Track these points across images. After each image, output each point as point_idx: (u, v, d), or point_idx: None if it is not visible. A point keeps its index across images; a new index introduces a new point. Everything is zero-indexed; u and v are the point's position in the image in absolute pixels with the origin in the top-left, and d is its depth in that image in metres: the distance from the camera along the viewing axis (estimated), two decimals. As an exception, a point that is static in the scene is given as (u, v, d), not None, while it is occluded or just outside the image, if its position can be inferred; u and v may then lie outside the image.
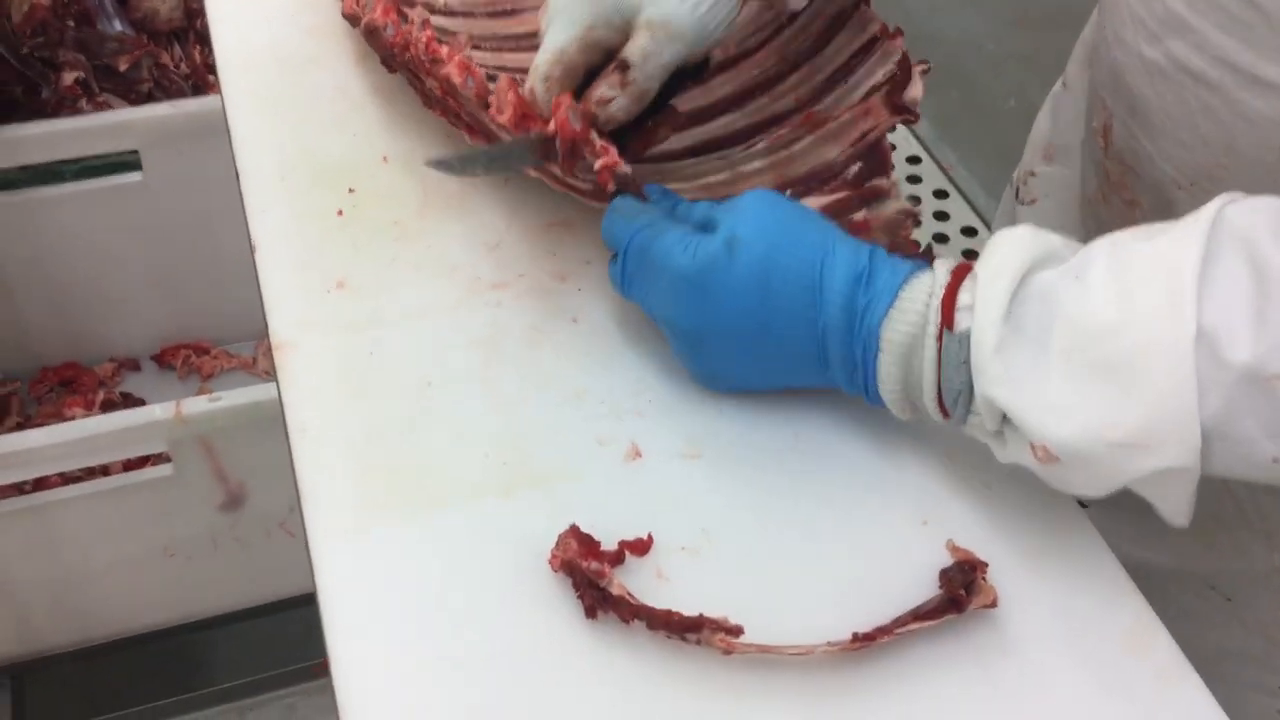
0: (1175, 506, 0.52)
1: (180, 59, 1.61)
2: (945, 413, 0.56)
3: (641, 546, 0.56)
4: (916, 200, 0.67)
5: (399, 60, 0.74)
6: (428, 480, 0.59)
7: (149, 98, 1.55)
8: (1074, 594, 0.56)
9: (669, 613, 0.52)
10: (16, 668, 1.20)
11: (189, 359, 1.49)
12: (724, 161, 0.73)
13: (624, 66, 0.63)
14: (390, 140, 0.77)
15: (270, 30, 0.84)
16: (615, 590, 0.53)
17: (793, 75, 0.77)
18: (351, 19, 0.78)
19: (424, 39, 0.71)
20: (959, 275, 0.55)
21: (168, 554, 1.14)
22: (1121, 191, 0.75)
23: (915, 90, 0.71)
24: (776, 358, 0.60)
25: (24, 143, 1.28)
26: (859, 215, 0.69)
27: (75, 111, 1.49)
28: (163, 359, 1.51)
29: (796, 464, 0.61)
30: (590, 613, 0.54)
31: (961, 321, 0.54)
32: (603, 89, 0.63)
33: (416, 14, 0.73)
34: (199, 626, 1.24)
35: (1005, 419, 0.53)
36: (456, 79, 0.68)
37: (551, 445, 0.61)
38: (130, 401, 1.44)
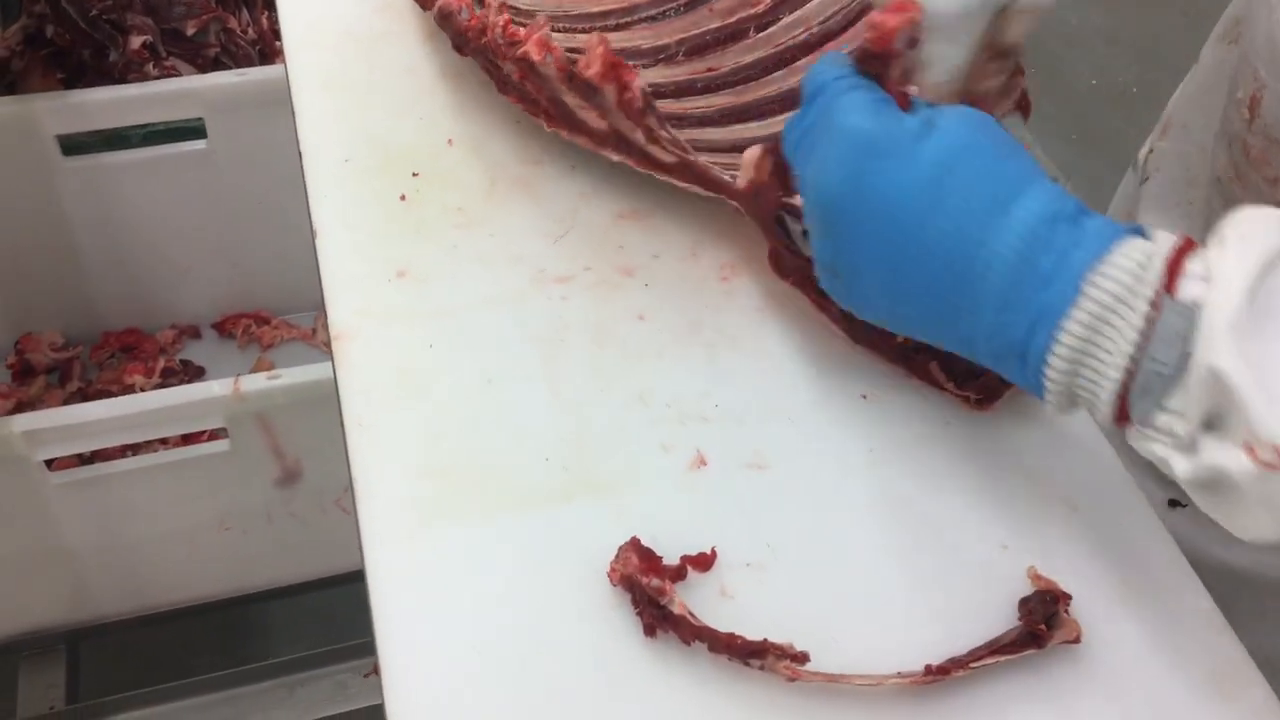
0: None
1: (248, 24, 1.61)
2: (1124, 408, 0.47)
3: (705, 561, 0.54)
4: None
5: (473, 45, 0.72)
6: (487, 482, 0.58)
7: (215, 63, 1.55)
8: (1163, 631, 0.53)
9: (731, 636, 0.50)
10: (72, 634, 1.21)
11: (249, 328, 1.49)
12: None
13: (1011, 53, 0.60)
14: (457, 123, 0.75)
15: (339, 6, 0.82)
16: (676, 609, 0.51)
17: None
18: (423, 3, 0.75)
19: (501, 22, 0.69)
20: (1187, 244, 0.47)
21: (223, 527, 1.14)
22: (1263, 168, 0.71)
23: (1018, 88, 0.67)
24: (926, 274, 0.50)
25: (91, 107, 1.27)
26: None
27: (142, 76, 1.49)
28: (223, 327, 1.51)
29: (869, 479, 0.58)
30: (649, 631, 0.52)
31: (1188, 289, 0.45)
32: (993, 85, 0.61)
33: None
34: (252, 599, 1.24)
35: (1209, 423, 0.45)
36: (535, 55, 0.66)
37: (614, 450, 0.59)
38: (190, 369, 1.44)
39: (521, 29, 0.69)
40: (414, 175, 0.72)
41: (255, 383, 0.99)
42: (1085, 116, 2.09)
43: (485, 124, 0.75)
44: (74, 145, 1.31)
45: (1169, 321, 0.45)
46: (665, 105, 0.73)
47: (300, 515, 1.16)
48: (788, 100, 0.74)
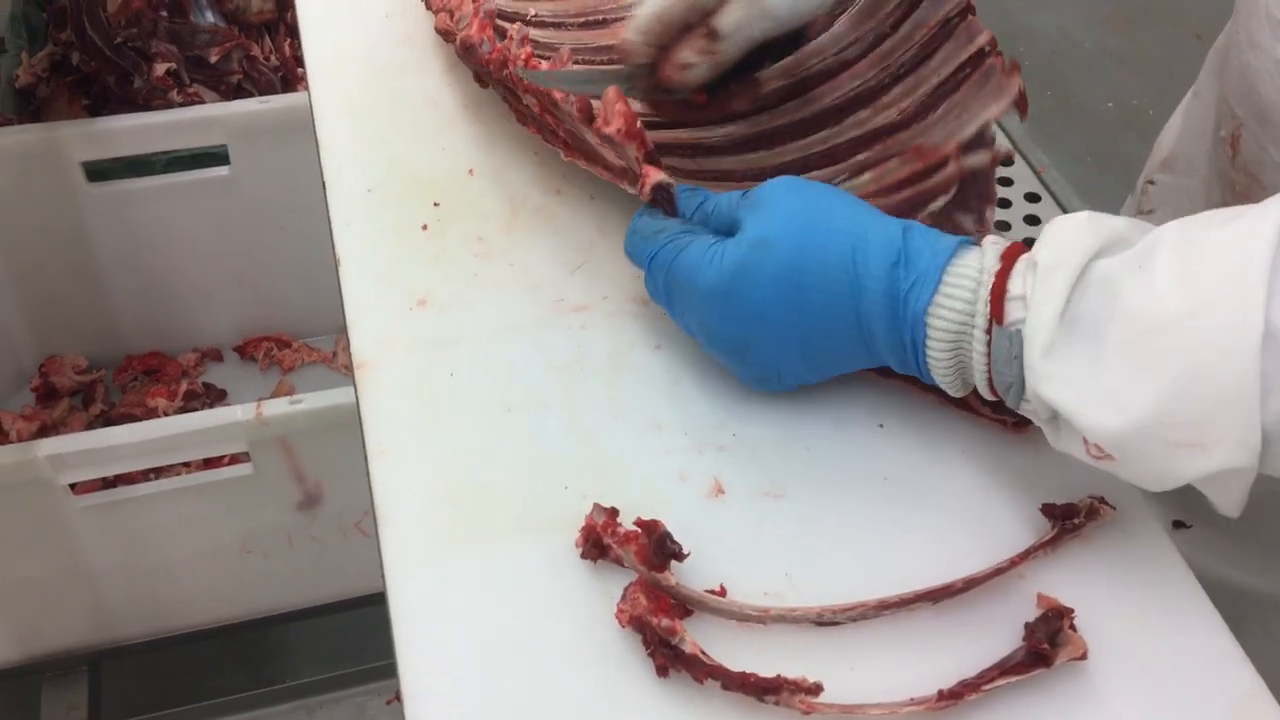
0: (1228, 500, 0.50)
1: (270, 51, 1.63)
2: (998, 396, 0.54)
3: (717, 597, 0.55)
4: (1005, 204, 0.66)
5: (495, 76, 0.73)
6: (506, 509, 0.58)
7: (239, 89, 1.57)
8: (1171, 648, 0.54)
9: (744, 674, 0.50)
10: (94, 656, 1.22)
11: (270, 351, 1.51)
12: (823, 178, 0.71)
13: (714, 35, 0.64)
14: (477, 154, 0.76)
15: (362, 36, 0.83)
16: (688, 648, 0.51)
17: (896, 87, 0.75)
18: (445, 34, 0.77)
19: (523, 55, 0.70)
20: (1009, 260, 0.53)
21: (244, 550, 1.15)
22: (1247, 203, 0.71)
23: (1014, 87, 0.70)
24: (822, 352, 0.58)
25: (116, 134, 1.29)
26: None
27: (166, 102, 1.51)
28: (245, 350, 1.52)
29: (886, 506, 0.59)
30: (662, 672, 0.52)
31: (1013, 312, 0.51)
32: (685, 54, 0.65)
33: (515, 30, 0.72)
34: (273, 621, 1.25)
35: (1055, 415, 0.52)
36: (559, 94, 0.67)
37: (633, 478, 0.59)
38: (212, 392, 1.46)
39: (544, 61, 0.70)
40: (435, 205, 0.73)
41: (277, 407, 1.00)
42: (1100, 138, 2.09)
43: (505, 154, 0.76)
44: (99, 171, 1.33)
45: (1001, 345, 0.52)
46: (680, 134, 0.74)
47: (321, 538, 1.17)
48: (800, 129, 0.74)
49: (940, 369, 0.55)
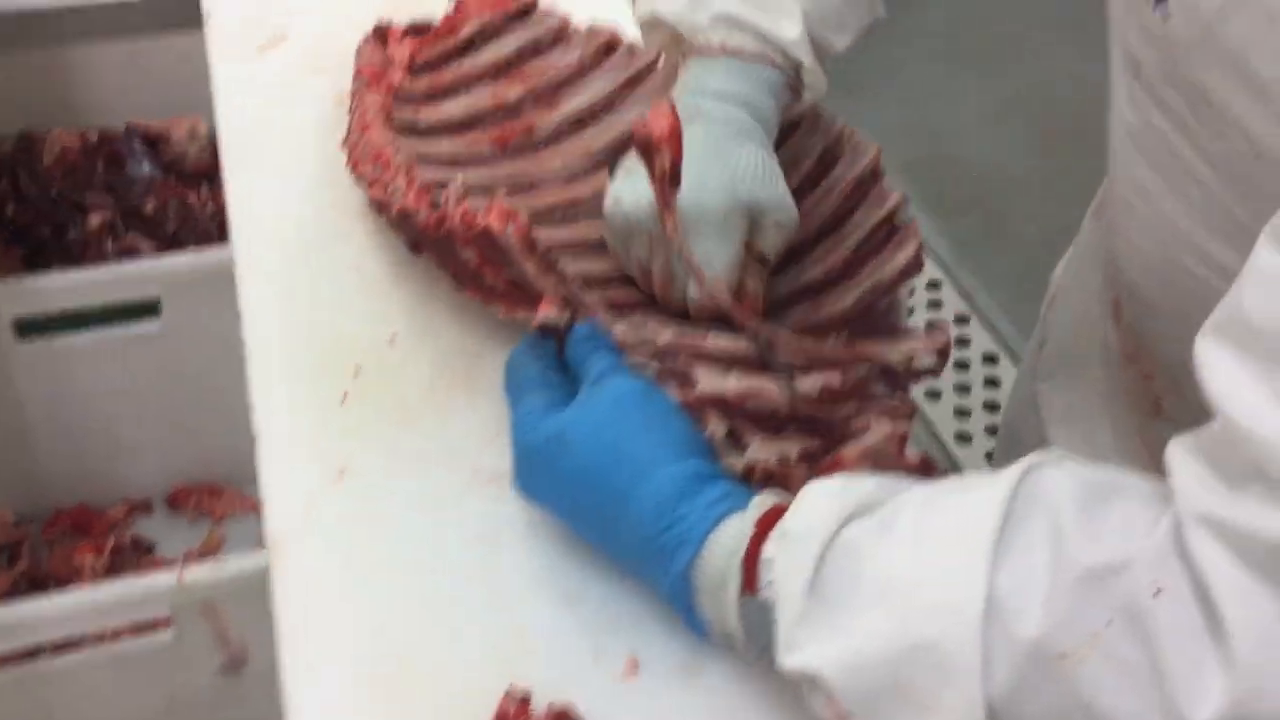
0: None
1: (208, 199, 1.64)
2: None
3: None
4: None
5: (431, 239, 0.74)
6: (424, 688, 0.58)
7: (175, 238, 1.58)
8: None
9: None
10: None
11: (201, 502, 1.48)
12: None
13: (764, 260, 0.71)
14: (401, 320, 0.77)
15: (289, 204, 0.84)
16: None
17: (819, 245, 0.77)
18: (380, 205, 0.78)
19: (459, 213, 0.70)
20: (764, 526, 0.53)
21: (167, 716, 1.11)
22: (1136, 364, 0.73)
23: (911, 249, 0.75)
24: (610, 556, 0.61)
25: (47, 291, 1.29)
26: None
27: (101, 252, 1.51)
28: (175, 500, 1.50)
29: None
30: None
31: (764, 575, 0.52)
32: (752, 285, 0.71)
33: (454, 187, 0.73)
34: (197, 789, 1.20)
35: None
36: (497, 227, 0.68)
37: (551, 655, 0.59)
38: (140, 547, 1.43)
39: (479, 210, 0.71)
40: (356, 373, 0.73)
41: (200, 572, 0.98)
42: (1027, 261, 2.14)
43: (428, 320, 0.77)
44: (28, 326, 1.32)
45: (751, 617, 0.53)
46: (614, 293, 0.75)
47: (247, 700, 1.13)
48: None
49: (708, 620, 0.55)
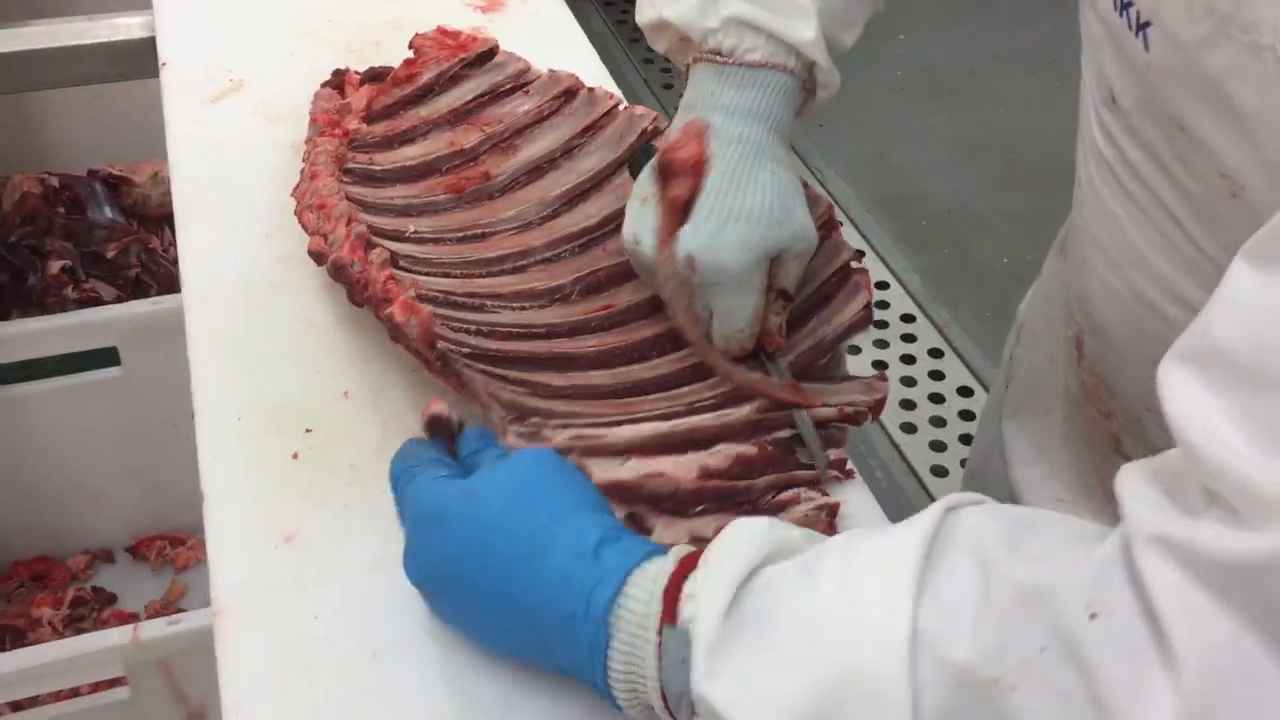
0: None
1: (170, 244, 1.62)
2: (672, 715, 0.52)
3: None
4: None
5: (361, 297, 0.73)
6: (368, 768, 0.56)
7: (137, 282, 1.56)
8: None
9: None
10: None
11: (163, 550, 1.46)
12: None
13: (789, 296, 0.73)
14: (353, 375, 0.75)
15: (240, 259, 0.83)
16: None
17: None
18: (317, 256, 0.76)
19: (381, 279, 0.70)
20: (687, 563, 0.52)
21: (124, 775, 1.09)
22: (1096, 402, 0.72)
23: (861, 302, 0.77)
24: (498, 629, 0.57)
25: (5, 340, 1.27)
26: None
27: (61, 299, 1.49)
28: (137, 550, 1.47)
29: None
30: None
31: (685, 611, 0.51)
32: (775, 321, 0.73)
33: (376, 254, 0.72)
34: None
35: None
36: (399, 318, 0.68)
37: (501, 728, 0.57)
38: (101, 597, 1.40)
39: (399, 285, 0.70)
40: (307, 431, 0.71)
41: (155, 629, 0.96)
42: (997, 294, 2.15)
43: (381, 373, 0.75)
44: (-15, 377, 1.30)
45: (671, 648, 0.51)
46: (560, 345, 0.74)
47: (207, 758, 1.11)
48: (679, 338, 0.75)
49: (619, 679, 0.53)
